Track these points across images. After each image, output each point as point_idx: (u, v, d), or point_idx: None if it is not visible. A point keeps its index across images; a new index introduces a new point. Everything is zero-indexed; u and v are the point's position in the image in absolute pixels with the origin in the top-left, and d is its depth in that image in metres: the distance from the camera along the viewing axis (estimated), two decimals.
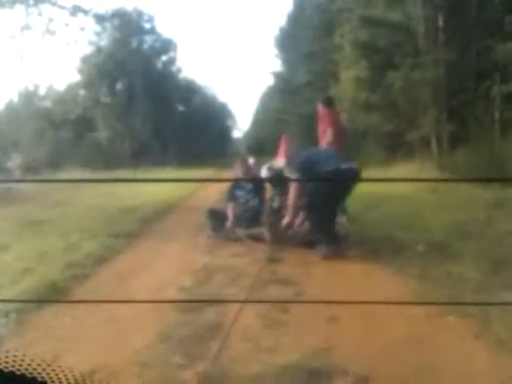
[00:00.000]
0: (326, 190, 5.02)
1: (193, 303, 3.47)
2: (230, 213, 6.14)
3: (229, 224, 6.08)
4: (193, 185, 15.56)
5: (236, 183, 6.44)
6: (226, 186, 7.01)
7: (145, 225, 7.38)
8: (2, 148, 36.83)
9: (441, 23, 15.35)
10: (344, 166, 4.97)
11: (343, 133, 6.94)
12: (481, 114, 12.99)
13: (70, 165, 30.60)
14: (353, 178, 4.95)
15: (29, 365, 0.86)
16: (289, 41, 34.02)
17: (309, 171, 5.01)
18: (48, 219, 7.65)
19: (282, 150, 6.72)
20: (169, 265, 4.93)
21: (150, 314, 3.32)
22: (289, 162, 5.51)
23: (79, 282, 4.23)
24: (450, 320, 3.07)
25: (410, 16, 15.46)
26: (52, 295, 3.81)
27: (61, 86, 46.98)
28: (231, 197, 6.34)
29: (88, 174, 20.86)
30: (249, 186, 6.34)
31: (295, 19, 32.97)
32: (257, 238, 5.77)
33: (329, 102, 7.03)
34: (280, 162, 6.20)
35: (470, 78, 14.78)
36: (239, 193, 6.34)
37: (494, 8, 13.22)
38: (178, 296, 3.75)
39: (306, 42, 27.84)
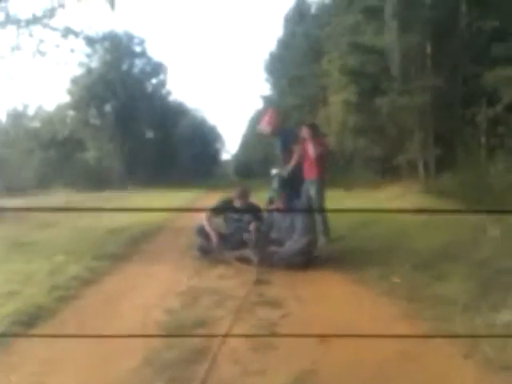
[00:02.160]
0: None
1: (179, 325, 3.44)
2: (213, 234, 6.11)
3: (214, 245, 6.06)
4: (181, 205, 15.51)
5: (228, 205, 6.48)
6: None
7: (132, 246, 7.33)
8: None
9: (429, 49, 15.65)
10: None
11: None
12: (467, 138, 13.18)
13: (58, 185, 30.41)
14: None
15: None
16: (278, 65, 34.41)
17: None
18: (35, 241, 7.57)
19: (267, 118, 7.14)
20: (155, 287, 4.88)
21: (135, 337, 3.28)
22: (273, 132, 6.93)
23: (65, 304, 4.17)
24: (438, 340, 3.07)
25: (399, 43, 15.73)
26: (38, 318, 3.75)
27: (50, 107, 47.04)
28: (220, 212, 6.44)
29: (74, 195, 20.71)
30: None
31: (285, 44, 33.40)
32: (244, 260, 5.76)
33: (313, 128, 7.15)
34: (265, 129, 7.11)
35: (456, 104, 15.02)
36: (230, 215, 6.39)
37: (481, 35, 13.49)
38: (164, 318, 3.71)
39: (295, 67, 28.21)
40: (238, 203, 6.37)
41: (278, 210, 6.10)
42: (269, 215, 6.08)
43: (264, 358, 2.91)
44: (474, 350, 2.82)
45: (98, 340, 3.19)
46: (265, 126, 7.17)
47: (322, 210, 6.81)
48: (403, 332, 3.27)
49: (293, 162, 6.83)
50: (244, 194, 6.44)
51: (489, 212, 6.99)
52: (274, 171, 6.60)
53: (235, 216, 6.38)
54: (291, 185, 6.71)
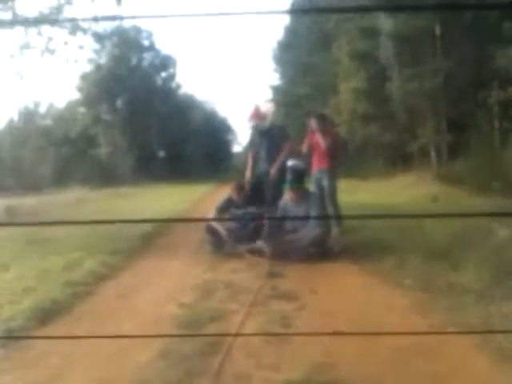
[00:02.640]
0: None
1: (193, 318, 3.46)
2: (221, 229, 6.14)
3: (225, 239, 6.08)
4: (194, 199, 15.59)
5: (230, 201, 6.52)
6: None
7: (146, 241, 7.37)
8: (4, 167, 36.96)
9: (438, 32, 15.43)
10: None
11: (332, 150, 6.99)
12: (480, 123, 13.01)
13: (73, 182, 30.64)
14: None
15: None
16: (286, 54, 34.12)
17: None
18: (49, 237, 7.63)
19: (251, 113, 7.04)
20: (169, 281, 4.91)
21: (151, 331, 3.31)
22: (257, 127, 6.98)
23: (80, 299, 4.21)
24: (451, 331, 3.05)
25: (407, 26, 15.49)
26: (54, 313, 3.79)
27: (61, 104, 47.29)
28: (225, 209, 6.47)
29: (86, 192, 20.87)
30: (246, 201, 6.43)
31: (293, 32, 33.07)
32: (256, 252, 5.76)
33: (323, 118, 7.14)
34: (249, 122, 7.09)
35: (468, 87, 14.81)
36: (233, 210, 6.45)
37: (491, 15, 13.24)
38: (178, 312, 3.73)
39: (304, 55, 27.97)
40: (235, 197, 6.42)
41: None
42: (282, 206, 6.07)
43: (278, 351, 2.92)
44: (487, 340, 2.80)
45: (114, 333, 3.23)
46: (249, 120, 7.09)
47: (335, 202, 6.81)
48: (418, 322, 3.26)
49: (278, 162, 6.71)
50: (240, 187, 6.48)
51: None
52: (289, 163, 6.55)
53: (238, 211, 6.41)
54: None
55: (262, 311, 3.68)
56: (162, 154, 40.17)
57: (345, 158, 7.09)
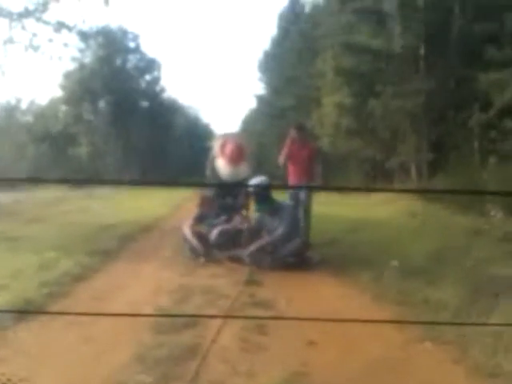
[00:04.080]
0: None
1: (170, 323, 3.43)
2: (195, 243, 6.13)
3: (199, 250, 6.06)
4: (173, 204, 15.50)
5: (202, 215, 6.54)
6: None
7: (123, 243, 7.29)
8: None
9: (422, 51, 15.69)
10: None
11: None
12: (460, 142, 13.23)
13: (51, 180, 30.16)
14: None
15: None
16: (272, 64, 34.32)
17: None
18: (24, 236, 7.50)
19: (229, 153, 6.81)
20: (146, 284, 4.87)
21: (126, 334, 3.27)
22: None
23: (55, 300, 4.14)
24: (428, 346, 3.08)
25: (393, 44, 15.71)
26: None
27: (43, 101, 46.72)
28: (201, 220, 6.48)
29: (65, 191, 20.56)
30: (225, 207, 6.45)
31: (279, 43, 33.33)
32: (236, 260, 5.75)
33: (302, 129, 7.06)
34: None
35: (449, 107, 15.07)
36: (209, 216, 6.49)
37: (475, 38, 13.51)
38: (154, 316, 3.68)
39: (290, 66, 28.16)
40: (206, 210, 6.56)
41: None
42: (259, 217, 6.07)
43: (254, 358, 2.91)
44: (464, 356, 2.83)
45: (87, 335, 3.18)
46: (230, 162, 6.81)
47: (309, 215, 6.72)
48: (393, 335, 3.28)
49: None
50: (206, 201, 6.61)
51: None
52: (253, 181, 6.36)
53: (213, 221, 6.40)
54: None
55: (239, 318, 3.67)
56: (142, 156, 39.83)
57: (322, 171, 6.97)
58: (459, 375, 2.64)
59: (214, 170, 6.91)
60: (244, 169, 6.68)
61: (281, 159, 6.82)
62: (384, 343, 3.17)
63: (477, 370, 2.65)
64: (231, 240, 6.04)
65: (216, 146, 6.91)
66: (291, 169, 6.87)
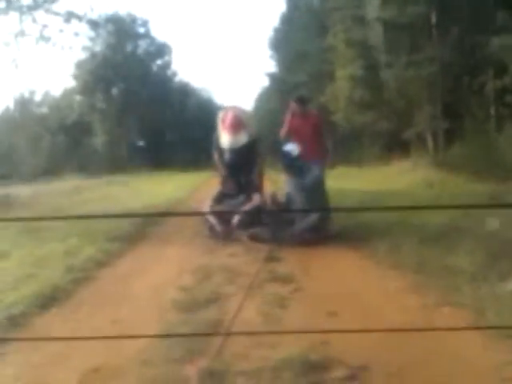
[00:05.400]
0: None
1: (193, 301, 3.53)
2: (215, 223, 6.17)
3: (219, 231, 6.13)
4: (191, 186, 15.62)
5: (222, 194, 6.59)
6: None
7: (144, 227, 7.41)
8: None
9: (434, 20, 15.42)
10: None
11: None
12: (476, 109, 13.06)
13: (69, 170, 30.59)
14: None
15: None
16: (283, 41, 33.96)
17: None
18: (47, 226, 7.65)
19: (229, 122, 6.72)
20: (168, 266, 4.97)
21: (150, 314, 3.37)
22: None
23: (80, 285, 4.27)
24: (445, 311, 3.13)
25: (404, 13, 15.45)
26: (55, 299, 3.84)
27: (56, 92, 47.02)
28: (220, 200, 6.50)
29: (84, 180, 20.84)
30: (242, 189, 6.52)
31: (289, 19, 32.93)
32: (256, 238, 5.81)
33: (303, 101, 6.71)
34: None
35: (464, 74, 14.83)
36: (228, 196, 6.52)
37: (486, 3, 13.25)
38: (178, 296, 3.78)
39: (300, 42, 27.85)
40: (225, 189, 6.58)
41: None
42: (287, 194, 6.10)
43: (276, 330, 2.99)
44: (480, 319, 2.88)
45: (114, 317, 3.30)
46: (230, 131, 6.66)
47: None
48: (412, 302, 3.34)
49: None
50: (226, 180, 6.61)
51: None
52: (286, 147, 6.27)
53: (232, 201, 6.47)
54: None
55: (259, 293, 3.75)
56: (157, 142, 40.01)
57: (333, 144, 6.78)
58: (477, 338, 2.68)
59: (218, 146, 6.93)
60: (243, 136, 6.64)
61: (281, 134, 6.61)
62: (403, 310, 3.23)
63: (493, 331, 2.69)
64: (251, 219, 6.11)
65: (218, 122, 6.92)
66: (302, 144, 6.64)
